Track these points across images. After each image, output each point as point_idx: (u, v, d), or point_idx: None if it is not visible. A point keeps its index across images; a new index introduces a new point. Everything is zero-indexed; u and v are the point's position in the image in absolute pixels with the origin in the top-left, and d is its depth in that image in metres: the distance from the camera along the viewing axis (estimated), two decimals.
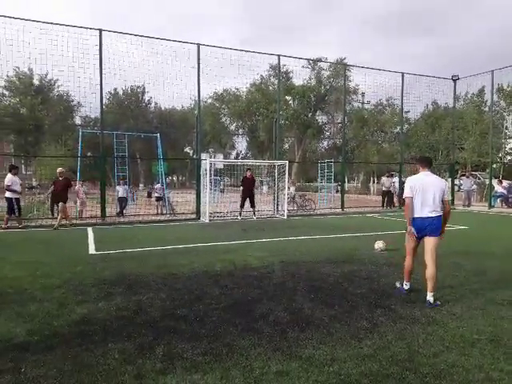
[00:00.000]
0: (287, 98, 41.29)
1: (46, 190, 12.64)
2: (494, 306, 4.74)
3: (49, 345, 3.64)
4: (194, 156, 19.59)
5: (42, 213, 15.09)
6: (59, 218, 12.08)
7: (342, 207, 18.69)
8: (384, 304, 4.82)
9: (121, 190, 16.30)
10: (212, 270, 6.53)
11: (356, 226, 12.85)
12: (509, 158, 35.40)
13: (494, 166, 27.74)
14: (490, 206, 19.61)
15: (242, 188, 15.59)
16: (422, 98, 21.03)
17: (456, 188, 23.71)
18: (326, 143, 48.48)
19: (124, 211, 15.86)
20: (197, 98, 15.83)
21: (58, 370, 3.16)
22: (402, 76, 19.49)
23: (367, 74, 19.20)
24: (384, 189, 20.41)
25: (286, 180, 16.08)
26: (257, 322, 4.20)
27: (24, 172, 38.01)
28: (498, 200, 20.36)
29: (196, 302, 4.90)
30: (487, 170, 25.46)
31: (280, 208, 16.59)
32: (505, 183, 20.81)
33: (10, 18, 12.48)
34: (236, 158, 53.59)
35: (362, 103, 41.03)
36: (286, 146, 46.56)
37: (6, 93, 40.22)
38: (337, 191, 23.41)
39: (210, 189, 15.48)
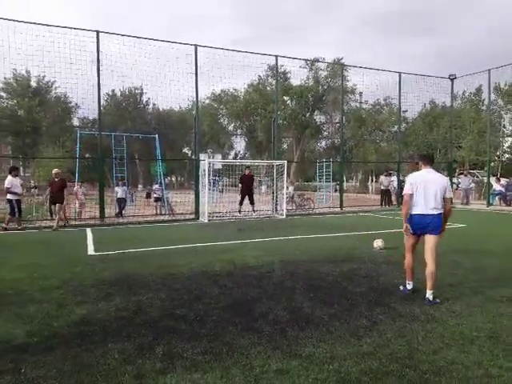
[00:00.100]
0: (285, 98, 41.32)
1: (45, 192, 12.63)
2: (493, 303, 4.75)
3: (48, 345, 3.63)
4: (193, 156, 19.62)
5: (40, 214, 15.07)
6: (57, 219, 12.08)
7: (341, 206, 18.70)
8: (383, 302, 4.83)
9: (120, 191, 16.29)
10: (211, 270, 6.53)
11: (354, 224, 12.85)
12: (506, 156, 35.52)
13: (492, 164, 27.78)
14: (488, 204, 19.65)
15: (240, 186, 15.63)
16: (419, 97, 21.10)
17: (454, 186, 23.75)
18: (324, 143, 48.63)
19: (123, 212, 15.84)
20: (195, 99, 15.86)
21: (58, 371, 3.15)
22: (400, 76, 19.53)
23: (365, 74, 19.26)
24: (382, 188, 20.44)
25: (285, 180, 16.10)
26: (256, 321, 4.20)
27: (22, 174, 37.94)
28: (496, 198, 20.40)
29: (195, 301, 4.90)
30: (485, 169, 25.51)
31: (279, 207, 16.59)
32: (503, 181, 20.85)
33: (6, 19, 12.45)
34: (234, 158, 53.59)
35: (360, 103, 41.14)
36: (285, 145, 46.64)
37: (4, 95, 40.22)
38: (335, 190, 23.44)
39: (209, 189, 15.49)
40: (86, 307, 4.68)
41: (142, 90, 48.32)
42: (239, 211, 15.58)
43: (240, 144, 53.11)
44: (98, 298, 5.06)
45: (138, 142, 40.10)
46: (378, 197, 21.62)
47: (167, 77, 14.76)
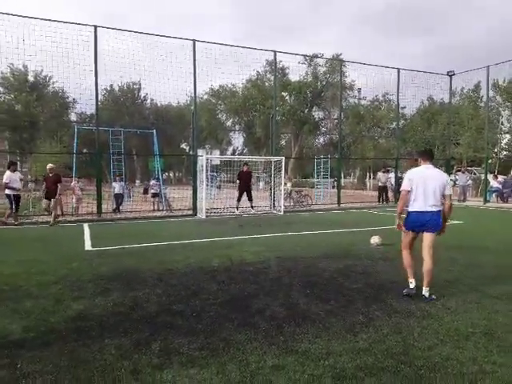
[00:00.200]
0: (283, 93, 41.17)
1: (41, 187, 12.61)
2: (489, 299, 4.77)
3: (45, 341, 3.63)
4: (191, 152, 19.58)
5: (37, 210, 15.04)
6: (53, 214, 12.06)
7: (339, 203, 18.72)
8: (380, 298, 4.84)
9: (117, 187, 16.26)
10: (208, 266, 6.54)
11: (352, 221, 12.88)
12: (504, 153, 35.56)
13: (490, 161, 27.84)
14: (486, 201, 19.71)
15: (238, 182, 15.61)
16: (418, 93, 21.10)
17: (451, 183, 23.79)
18: (322, 139, 48.47)
19: (120, 207, 15.84)
20: (193, 94, 15.82)
21: (55, 366, 3.16)
22: (398, 72, 19.51)
23: (363, 70, 19.23)
24: (380, 184, 20.49)
25: (283, 176, 16.09)
26: (253, 317, 4.21)
27: (20, 169, 37.78)
28: (494, 195, 20.48)
29: (192, 297, 4.91)
30: (483, 165, 25.56)
31: (277, 204, 16.60)
32: (500, 178, 20.94)
33: (3, 14, 12.37)
34: (233, 154, 53.52)
35: (359, 99, 41.05)
36: (283, 141, 46.55)
37: (1, 89, 39.96)
38: (333, 187, 23.47)
39: (207, 185, 15.48)
40: (82, 302, 4.69)
41: (140, 85, 48.08)
42: (237, 208, 15.56)
43: (238, 140, 52.95)
44: (95, 293, 5.06)
45: (135, 137, 39.90)
46: (376, 193, 21.66)
47: (165, 72, 14.73)
